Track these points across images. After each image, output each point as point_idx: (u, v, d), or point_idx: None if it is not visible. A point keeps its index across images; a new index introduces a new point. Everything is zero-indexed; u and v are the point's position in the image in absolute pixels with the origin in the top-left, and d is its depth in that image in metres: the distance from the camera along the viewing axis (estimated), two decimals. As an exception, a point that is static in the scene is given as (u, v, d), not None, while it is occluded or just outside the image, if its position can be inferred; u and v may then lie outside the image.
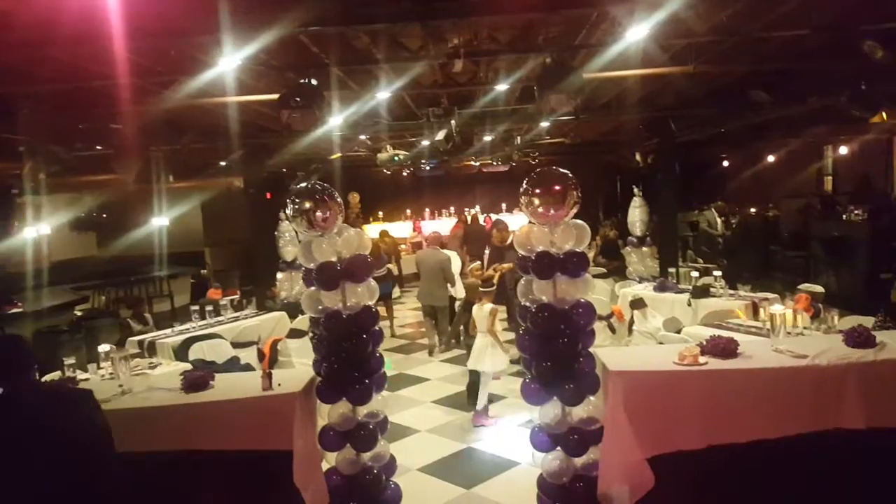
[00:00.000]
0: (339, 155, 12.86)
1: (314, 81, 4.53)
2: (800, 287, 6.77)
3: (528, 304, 3.63)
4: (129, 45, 4.23)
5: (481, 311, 5.93)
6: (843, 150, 14.47)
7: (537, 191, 3.52)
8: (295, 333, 7.25)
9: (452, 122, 6.95)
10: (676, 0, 4.28)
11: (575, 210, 3.56)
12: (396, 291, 12.02)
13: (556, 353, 3.51)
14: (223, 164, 11.08)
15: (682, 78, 6.37)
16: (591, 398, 3.62)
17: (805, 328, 5.06)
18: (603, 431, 3.59)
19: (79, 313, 9.43)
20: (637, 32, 4.78)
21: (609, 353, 4.03)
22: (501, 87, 6.63)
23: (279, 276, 9.31)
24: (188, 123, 7.70)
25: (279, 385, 3.84)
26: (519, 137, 11.87)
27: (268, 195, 11.11)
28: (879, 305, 6.51)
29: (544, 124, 9.69)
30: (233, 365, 6.09)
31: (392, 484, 4.10)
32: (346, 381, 3.77)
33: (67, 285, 10.57)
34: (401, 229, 17.05)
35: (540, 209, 3.51)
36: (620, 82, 6.87)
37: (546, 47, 5.36)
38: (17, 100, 6.02)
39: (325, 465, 3.94)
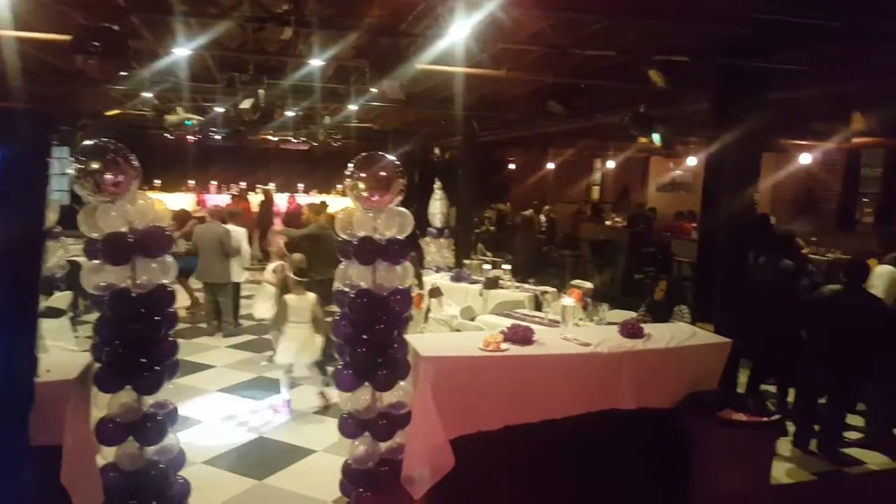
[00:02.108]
0: (116, 111, 11.45)
1: (116, 27, 3.91)
2: (572, 283, 7.61)
3: (345, 289, 3.54)
4: None
5: (305, 300, 5.70)
6: (610, 164, 16.61)
7: (363, 175, 3.46)
8: (51, 312, 6.33)
9: (260, 91, 6.52)
10: (493, 3, 4.46)
11: (400, 197, 3.56)
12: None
13: (373, 339, 3.48)
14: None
15: (493, 80, 6.70)
16: (402, 383, 3.67)
17: (581, 319, 5.66)
18: (410, 416, 3.65)
19: None
20: (459, 30, 4.91)
21: (420, 339, 4.11)
22: (316, 62, 6.37)
23: (34, 244, 7.96)
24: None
25: (48, 371, 3.30)
26: (328, 117, 11.58)
27: None
28: (637, 301, 7.54)
29: (353, 107, 9.56)
30: (-28, 347, 5.11)
31: (179, 479, 3.76)
32: (132, 367, 3.37)
33: None
34: (181, 201, 15.57)
35: (364, 193, 3.45)
36: (433, 76, 7.02)
37: (368, 28, 5.28)
38: None
39: (99, 461, 3.49)
